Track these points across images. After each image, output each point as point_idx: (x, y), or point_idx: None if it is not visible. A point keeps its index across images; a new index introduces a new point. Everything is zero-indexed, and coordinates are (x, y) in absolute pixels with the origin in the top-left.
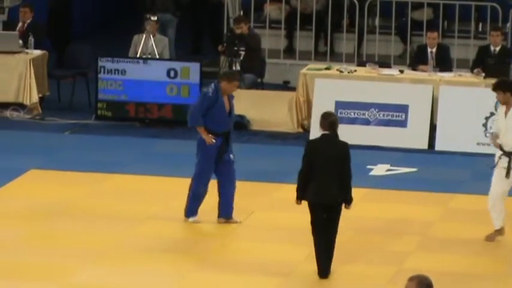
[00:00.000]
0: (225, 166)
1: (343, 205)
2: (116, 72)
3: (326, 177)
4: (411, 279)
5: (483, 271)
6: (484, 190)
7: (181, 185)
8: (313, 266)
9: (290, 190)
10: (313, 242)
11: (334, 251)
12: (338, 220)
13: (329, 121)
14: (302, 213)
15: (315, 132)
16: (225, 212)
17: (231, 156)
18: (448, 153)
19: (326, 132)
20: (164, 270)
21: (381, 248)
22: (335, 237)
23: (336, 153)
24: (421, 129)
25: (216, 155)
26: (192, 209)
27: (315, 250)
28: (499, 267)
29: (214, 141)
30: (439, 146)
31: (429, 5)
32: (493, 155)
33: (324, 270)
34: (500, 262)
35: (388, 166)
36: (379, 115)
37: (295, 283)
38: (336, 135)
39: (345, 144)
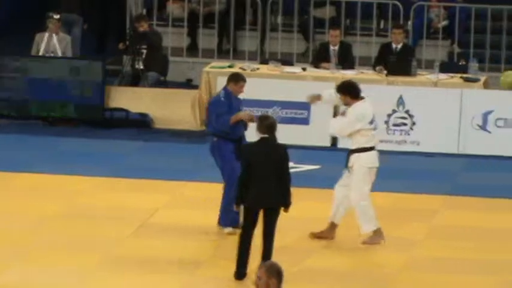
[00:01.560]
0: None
1: (282, 209)
2: (19, 70)
3: (266, 181)
4: (260, 267)
5: (390, 266)
6: (386, 187)
7: (86, 183)
8: (214, 267)
9: (194, 188)
10: (238, 243)
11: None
12: (276, 223)
13: (267, 124)
14: (206, 210)
15: None
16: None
17: None
18: None
19: (265, 135)
20: (69, 268)
21: (289, 247)
22: (273, 241)
23: (275, 157)
24: (324, 126)
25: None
26: (230, 217)
27: (238, 252)
28: (400, 263)
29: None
30: (341, 143)
31: (331, 2)
32: (394, 152)
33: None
34: (404, 260)
35: (291, 164)
36: (282, 113)
37: (202, 283)
38: (274, 138)
39: (284, 147)
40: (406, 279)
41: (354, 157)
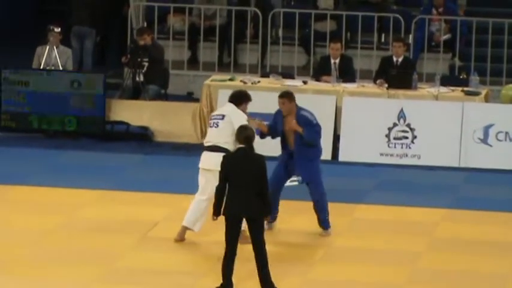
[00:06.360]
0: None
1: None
2: (20, 83)
3: (243, 190)
4: None
5: (393, 279)
6: (388, 200)
7: (86, 196)
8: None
9: None
10: (224, 254)
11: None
12: (263, 233)
13: (244, 135)
14: (206, 223)
15: None
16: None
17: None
18: (352, 163)
19: (242, 145)
20: (67, 281)
21: (282, 260)
22: (265, 249)
23: (252, 167)
24: (325, 140)
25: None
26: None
27: (223, 262)
28: (403, 277)
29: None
30: (342, 157)
31: (332, 16)
32: (395, 166)
33: (266, 285)
34: (407, 273)
35: (293, 177)
36: None
37: None
38: (252, 148)
39: (261, 157)
40: None
41: None
